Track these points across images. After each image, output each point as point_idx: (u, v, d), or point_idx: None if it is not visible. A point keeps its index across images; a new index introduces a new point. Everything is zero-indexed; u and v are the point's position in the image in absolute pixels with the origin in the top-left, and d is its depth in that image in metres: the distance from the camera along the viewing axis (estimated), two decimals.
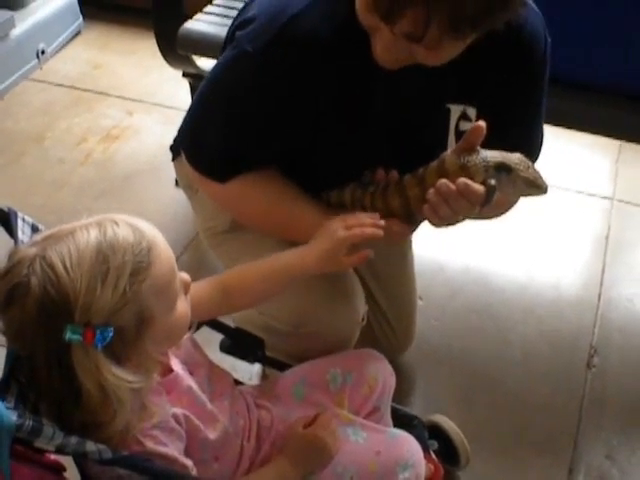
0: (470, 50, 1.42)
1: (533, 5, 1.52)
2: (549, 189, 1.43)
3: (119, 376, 1.17)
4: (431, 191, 1.39)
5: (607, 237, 2.82)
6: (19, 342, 1.21)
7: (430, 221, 1.47)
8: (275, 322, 1.69)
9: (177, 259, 2.56)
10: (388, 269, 2.09)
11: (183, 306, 1.30)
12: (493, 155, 1.38)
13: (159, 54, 2.74)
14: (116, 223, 1.21)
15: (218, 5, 2.72)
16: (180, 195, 2.92)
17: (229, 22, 2.61)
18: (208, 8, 2.69)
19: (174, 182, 2.90)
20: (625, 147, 3.18)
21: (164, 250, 1.25)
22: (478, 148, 1.39)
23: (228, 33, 1.64)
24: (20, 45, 3.52)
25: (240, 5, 2.68)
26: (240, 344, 1.66)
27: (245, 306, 1.58)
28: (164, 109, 3.34)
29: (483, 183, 1.36)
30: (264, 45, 1.45)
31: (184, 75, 2.81)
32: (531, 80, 1.56)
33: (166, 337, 1.28)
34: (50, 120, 3.31)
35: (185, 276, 1.32)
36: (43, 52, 3.62)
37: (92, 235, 1.18)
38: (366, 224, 1.45)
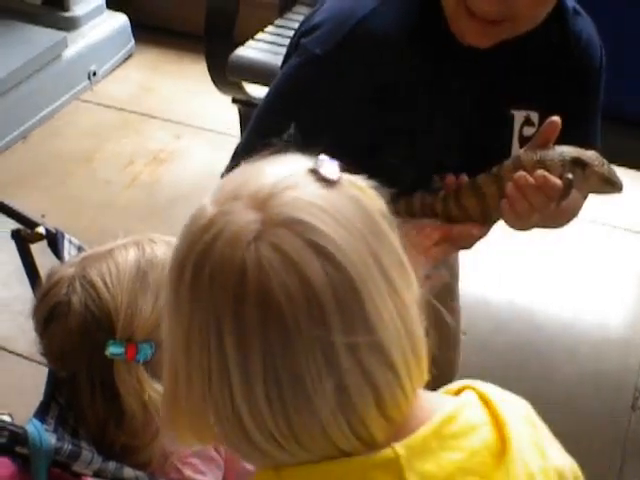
0: (532, 57, 1.45)
1: (586, 15, 1.53)
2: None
3: (161, 392, 1.17)
4: (510, 184, 1.38)
5: None
6: (60, 362, 1.21)
7: (506, 219, 1.46)
8: None
9: None
10: (435, 301, 2.07)
11: None
12: (569, 150, 1.38)
13: (209, 79, 2.76)
14: (153, 241, 1.23)
15: (269, 32, 2.73)
16: None
17: (280, 50, 2.65)
18: (259, 35, 2.70)
19: None
20: None
21: None
22: (552, 145, 1.39)
23: (291, 42, 1.63)
24: (72, 66, 3.57)
25: (290, 33, 2.71)
26: None
27: None
28: (212, 134, 3.35)
29: (560, 178, 1.35)
30: (334, 47, 1.44)
31: (234, 101, 2.82)
32: (589, 87, 1.56)
33: None
34: (99, 141, 3.34)
35: None
36: (94, 74, 3.66)
37: (130, 253, 1.19)
38: (439, 239, 1.46)
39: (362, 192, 0.87)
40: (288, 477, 0.86)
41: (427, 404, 0.90)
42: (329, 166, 0.85)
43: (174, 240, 1.22)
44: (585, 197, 1.60)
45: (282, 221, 0.79)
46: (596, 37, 1.54)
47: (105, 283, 1.15)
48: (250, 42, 2.64)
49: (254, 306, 0.78)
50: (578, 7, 1.53)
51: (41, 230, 1.49)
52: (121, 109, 3.53)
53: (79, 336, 1.15)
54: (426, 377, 0.90)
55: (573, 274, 2.76)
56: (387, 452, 0.83)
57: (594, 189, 1.42)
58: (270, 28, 2.74)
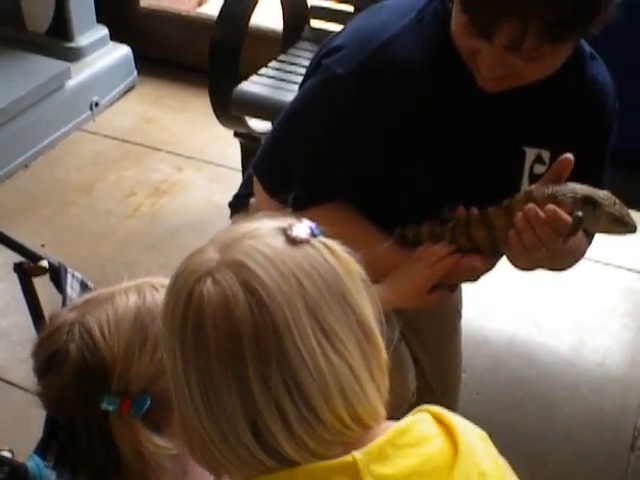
0: (548, 98, 1.48)
1: (601, 60, 1.56)
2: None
3: (158, 444, 1.16)
4: (519, 215, 1.39)
5: None
6: (57, 409, 1.20)
7: (513, 253, 1.46)
8: None
9: None
10: (438, 343, 2.07)
11: None
12: (581, 188, 1.39)
13: (211, 112, 2.77)
14: (155, 288, 1.21)
15: (273, 68, 2.75)
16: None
17: (283, 85, 2.67)
18: (262, 70, 2.72)
19: None
20: None
21: None
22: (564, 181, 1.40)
23: (311, 64, 1.65)
24: (75, 96, 3.58)
25: (294, 68, 2.73)
26: None
27: None
28: (213, 167, 3.36)
29: (570, 214, 1.36)
30: (356, 67, 1.46)
31: (236, 135, 2.83)
32: (602, 130, 1.59)
33: None
34: (100, 172, 3.35)
35: None
36: (97, 104, 3.68)
37: (131, 300, 1.18)
38: (444, 256, 1.50)
39: (332, 254, 0.96)
40: None
41: (383, 425, 0.97)
42: (299, 228, 0.96)
43: None
44: (590, 241, 1.61)
45: (229, 262, 0.92)
46: (610, 82, 1.57)
47: (102, 332, 1.15)
48: (254, 77, 2.66)
49: (191, 333, 0.92)
50: (594, 52, 1.55)
51: (44, 264, 1.49)
52: (123, 140, 3.54)
53: (75, 385, 1.15)
54: (371, 426, 0.95)
55: (573, 312, 2.76)
56: (346, 458, 0.91)
57: (605, 229, 1.43)
58: (273, 63, 2.76)
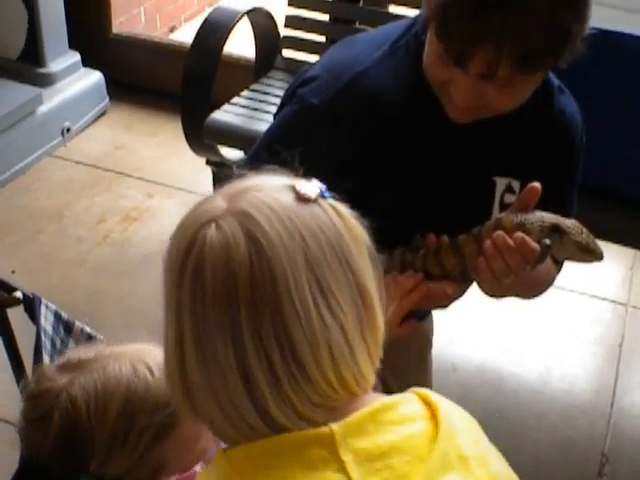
0: (517, 130, 1.50)
1: (569, 94, 1.60)
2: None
3: None
4: (488, 242, 1.41)
5: (621, 344, 2.81)
6: (36, 467, 1.19)
7: (482, 280, 1.48)
8: None
9: None
10: (409, 371, 2.08)
11: (203, 443, 1.23)
12: (548, 216, 1.42)
13: (182, 139, 2.78)
14: (151, 371, 1.17)
15: (245, 97, 2.77)
16: None
17: (256, 114, 2.69)
18: (235, 99, 2.73)
19: None
20: None
21: None
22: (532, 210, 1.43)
23: (286, 93, 1.66)
24: (46, 122, 3.58)
25: (266, 98, 2.75)
26: None
27: None
28: (184, 193, 3.36)
29: (537, 242, 1.38)
30: (331, 97, 1.48)
31: (208, 163, 2.84)
32: (569, 161, 1.62)
33: (180, 466, 1.23)
34: (70, 198, 3.34)
35: None
36: (68, 130, 3.68)
37: (123, 382, 1.15)
38: (411, 289, 1.49)
39: (339, 217, 0.98)
40: (232, 457, 0.95)
41: (367, 398, 0.97)
42: (309, 186, 0.97)
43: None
44: (559, 270, 1.64)
45: (235, 211, 0.92)
46: (578, 115, 1.61)
47: (88, 411, 1.13)
48: (226, 106, 2.68)
49: (190, 277, 0.91)
50: (562, 86, 1.59)
51: (18, 295, 1.49)
52: (93, 166, 3.54)
53: (54, 452, 1.14)
54: (355, 385, 0.95)
55: (541, 339, 2.79)
56: (323, 429, 0.91)
57: (572, 256, 1.45)
58: (246, 92, 2.78)
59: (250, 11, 2.70)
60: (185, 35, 4.27)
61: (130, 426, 1.13)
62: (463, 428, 0.99)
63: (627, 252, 3.03)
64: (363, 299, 0.96)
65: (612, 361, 2.73)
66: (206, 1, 4.57)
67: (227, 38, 2.62)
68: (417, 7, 2.76)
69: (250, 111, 2.68)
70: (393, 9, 2.99)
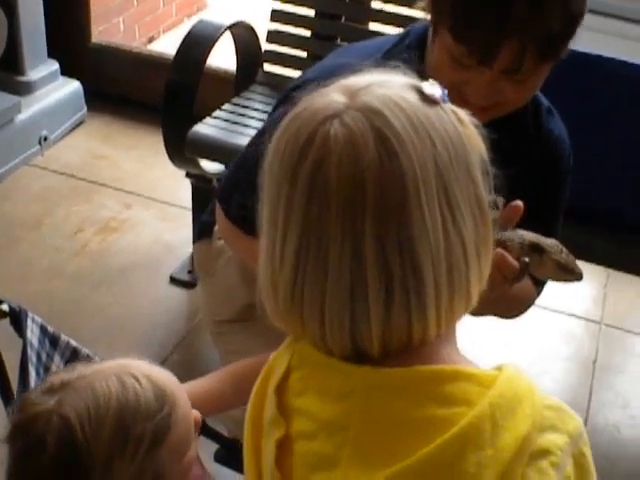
0: (505, 148, 1.51)
1: (558, 117, 1.64)
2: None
3: None
4: None
5: (595, 362, 2.84)
6: None
7: None
8: None
9: (167, 359, 2.55)
10: None
11: (193, 450, 1.24)
12: (529, 235, 1.43)
13: (161, 149, 2.78)
14: (138, 381, 1.16)
15: (227, 110, 2.78)
16: (174, 292, 2.95)
17: (237, 128, 2.71)
18: (216, 113, 2.75)
19: (168, 279, 2.93)
20: (613, 272, 3.23)
21: (184, 403, 1.21)
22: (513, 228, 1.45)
23: (280, 97, 1.69)
24: (24, 130, 3.56)
25: (247, 112, 2.77)
26: (236, 455, 1.65)
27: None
28: (162, 205, 3.36)
29: (517, 260, 1.40)
30: None
31: (187, 175, 2.85)
32: (555, 182, 1.65)
33: (177, 473, 1.22)
34: (48, 207, 3.33)
35: (197, 415, 1.26)
36: (46, 139, 3.66)
37: (113, 395, 1.13)
38: None
39: (460, 123, 0.92)
40: (299, 348, 0.95)
41: (446, 356, 0.91)
42: (432, 86, 0.91)
43: (157, 376, 1.20)
44: (540, 291, 1.66)
45: (361, 107, 0.86)
46: (567, 137, 1.64)
47: (83, 430, 1.11)
48: (208, 119, 2.69)
49: (307, 173, 0.85)
50: (552, 108, 1.62)
51: (4, 307, 1.49)
52: (71, 176, 3.53)
53: (51, 477, 1.12)
54: (457, 319, 0.92)
55: (515, 356, 2.81)
56: (353, 368, 0.88)
57: (551, 276, 1.47)
58: (227, 106, 2.79)
59: (233, 25, 2.71)
60: (164, 46, 4.28)
61: (126, 437, 1.12)
62: None
63: (600, 270, 3.07)
64: (481, 213, 0.91)
65: (586, 378, 2.77)
66: (185, 12, 4.58)
67: (210, 51, 2.63)
68: (398, 25, 2.79)
69: (232, 125, 2.70)
70: (373, 26, 3.01)
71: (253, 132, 2.63)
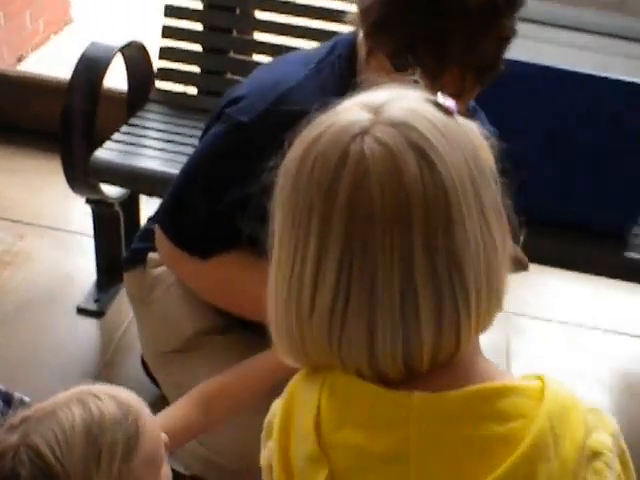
0: None
1: (484, 115, 1.71)
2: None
3: None
4: None
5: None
6: None
7: None
8: (216, 456, 1.65)
9: None
10: None
11: (165, 468, 1.25)
12: None
13: (45, 174, 2.66)
14: (98, 397, 1.17)
15: (125, 132, 2.69)
16: (82, 323, 2.82)
17: (138, 150, 2.62)
18: (116, 135, 2.65)
19: (75, 310, 2.81)
20: None
21: (149, 417, 1.21)
22: None
23: (212, 115, 1.67)
24: None
25: (146, 132, 2.69)
26: None
27: (223, 418, 1.54)
28: (56, 232, 3.21)
29: None
30: (260, 114, 1.51)
31: (87, 201, 2.74)
32: None
33: None
34: None
35: (165, 437, 1.28)
36: None
37: (77, 415, 1.13)
38: None
39: (474, 135, 0.92)
40: (330, 376, 0.90)
41: (489, 371, 0.92)
42: (445, 98, 0.90)
43: (117, 392, 1.19)
44: None
45: (391, 122, 0.85)
46: (493, 132, 1.66)
47: (54, 454, 1.09)
48: (108, 143, 2.59)
49: (347, 189, 0.83)
50: (478, 108, 1.65)
51: None
52: None
53: None
54: (490, 323, 0.92)
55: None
56: (402, 395, 0.87)
57: None
58: (125, 127, 2.70)
59: (125, 45, 2.62)
60: (33, 65, 4.12)
61: (98, 448, 1.11)
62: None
63: None
64: (501, 217, 0.92)
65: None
66: (52, 29, 4.42)
67: (105, 74, 2.54)
68: (280, 33, 2.79)
69: (133, 147, 2.61)
70: (259, 36, 2.97)
71: (155, 153, 2.59)
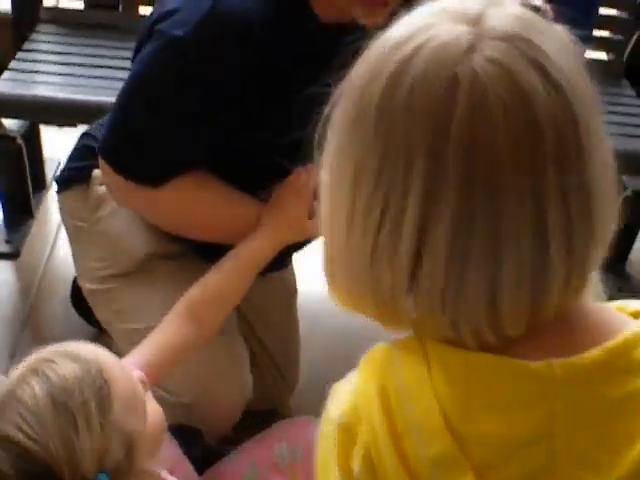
0: None
1: None
2: None
3: None
4: None
5: None
6: None
7: None
8: (163, 392, 1.61)
9: (17, 336, 2.32)
10: (278, 316, 2.09)
11: (152, 405, 1.21)
12: None
13: None
14: (52, 361, 1.10)
15: (22, 59, 2.49)
16: (8, 266, 2.63)
17: (38, 77, 2.44)
18: (12, 64, 2.46)
19: None
20: None
21: (112, 362, 1.15)
22: None
23: (142, 33, 1.54)
24: None
25: (44, 57, 2.51)
26: (181, 437, 1.55)
27: (217, 323, 1.51)
28: None
29: None
30: (196, 26, 1.41)
31: None
32: None
33: (153, 443, 1.19)
34: None
35: (139, 374, 1.23)
36: None
37: (37, 387, 1.06)
38: (307, 180, 1.51)
39: (574, 44, 0.79)
40: (433, 350, 0.78)
41: (605, 317, 0.82)
42: (541, 0, 0.79)
43: (70, 348, 1.12)
44: None
45: (500, 35, 0.72)
46: None
47: (28, 436, 1.03)
48: (5, 74, 2.40)
49: (462, 119, 0.71)
50: None
51: None
52: None
53: None
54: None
55: None
56: (541, 366, 0.76)
57: None
58: (21, 54, 2.50)
59: None
60: None
61: (71, 412, 1.04)
62: None
63: None
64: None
65: None
66: None
67: None
68: None
69: (32, 74, 2.44)
70: None
71: (57, 79, 2.41)
